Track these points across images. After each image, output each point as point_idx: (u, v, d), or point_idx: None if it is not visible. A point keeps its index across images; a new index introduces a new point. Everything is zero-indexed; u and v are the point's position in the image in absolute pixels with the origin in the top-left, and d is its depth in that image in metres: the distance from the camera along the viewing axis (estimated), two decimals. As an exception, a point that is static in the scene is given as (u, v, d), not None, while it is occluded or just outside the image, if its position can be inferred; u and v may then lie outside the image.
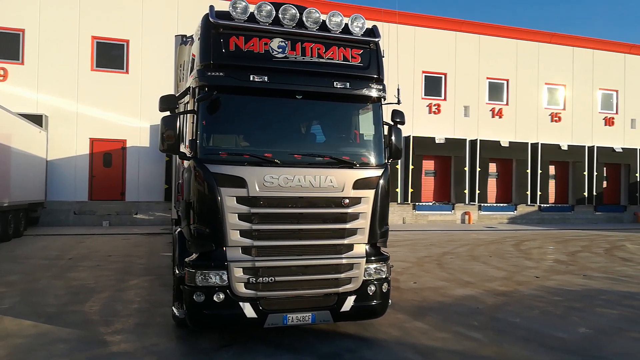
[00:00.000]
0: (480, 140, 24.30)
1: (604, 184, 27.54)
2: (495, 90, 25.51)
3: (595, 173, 26.64)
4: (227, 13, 5.45)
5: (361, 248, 5.79)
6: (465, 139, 24.24)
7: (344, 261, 5.66)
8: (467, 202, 24.29)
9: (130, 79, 20.74)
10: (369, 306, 5.81)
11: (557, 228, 23.35)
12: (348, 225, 5.66)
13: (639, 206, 28.00)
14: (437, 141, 23.50)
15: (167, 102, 5.74)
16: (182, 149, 5.67)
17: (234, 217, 5.29)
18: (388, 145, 6.13)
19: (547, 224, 25.16)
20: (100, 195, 20.60)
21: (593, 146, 26.64)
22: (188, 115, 5.72)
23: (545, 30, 26.77)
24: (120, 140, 20.75)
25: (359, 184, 5.67)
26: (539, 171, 25.47)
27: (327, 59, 5.72)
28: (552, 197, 26.56)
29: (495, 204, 25.41)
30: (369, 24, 5.94)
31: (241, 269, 5.33)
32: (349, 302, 5.67)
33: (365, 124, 6.06)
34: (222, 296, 5.30)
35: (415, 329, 6.42)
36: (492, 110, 25.20)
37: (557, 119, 26.46)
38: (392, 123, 6.24)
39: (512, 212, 25.56)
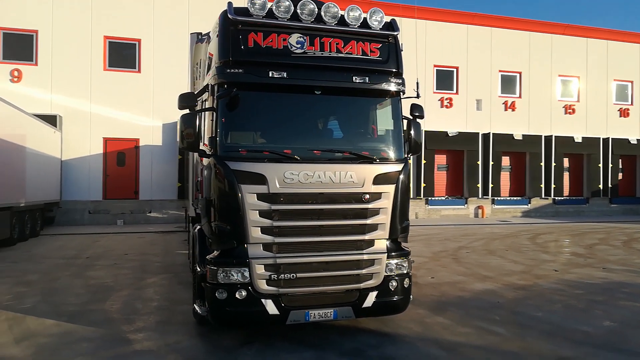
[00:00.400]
0: (493, 133, 24.11)
1: (620, 176, 27.21)
2: (508, 83, 25.27)
3: (610, 165, 26.33)
4: (246, 9, 5.43)
5: (382, 243, 5.76)
6: (478, 133, 24.06)
7: (365, 257, 5.64)
8: (480, 196, 24.12)
9: (143, 78, 20.81)
10: (390, 302, 5.78)
11: (572, 221, 23.12)
12: (369, 221, 5.62)
13: (655, 198, 27.65)
14: (449, 135, 23.36)
15: (187, 100, 5.73)
16: (202, 146, 5.68)
17: (255, 214, 5.28)
18: (407, 139, 6.08)
19: (561, 217, 24.92)
20: (114, 194, 20.74)
21: (608, 138, 26.32)
22: (207, 112, 5.71)
23: (558, 22, 26.45)
24: (133, 139, 20.86)
25: (379, 179, 5.63)
26: (553, 164, 25.22)
27: (346, 53, 5.68)
28: (566, 190, 26.30)
29: (508, 198, 25.22)
30: (387, 18, 5.88)
31: (263, 265, 5.32)
32: (371, 297, 5.64)
33: (385, 119, 6.01)
34: (244, 293, 5.30)
35: (436, 324, 6.38)
36: (505, 103, 24.97)
37: (570, 111, 26.16)
38: (411, 117, 6.19)
39: (526, 206, 25.35)
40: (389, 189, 5.69)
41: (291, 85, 5.49)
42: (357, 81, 5.66)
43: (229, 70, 5.34)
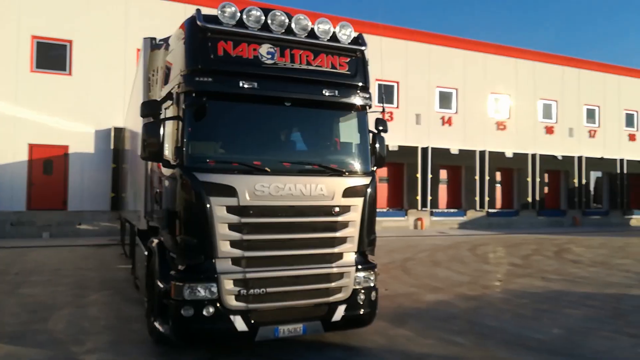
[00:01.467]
0: (431, 147, 24.92)
1: (546, 189, 28.95)
2: (445, 99, 26.28)
3: (537, 179, 27.95)
4: (215, 17, 5.26)
5: (350, 256, 5.72)
6: (417, 147, 24.78)
7: (335, 270, 5.57)
8: (419, 208, 24.79)
9: (74, 81, 19.67)
10: (358, 315, 5.75)
11: (504, 232, 24.28)
12: (338, 234, 5.58)
13: (577, 210, 29.65)
14: (390, 148, 23.87)
15: (150, 108, 5.45)
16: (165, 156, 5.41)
17: (224, 227, 5.09)
18: (372, 153, 6.12)
19: (494, 229, 26.11)
20: (40, 205, 19.34)
21: (535, 154, 27.95)
22: (169, 121, 5.45)
23: (490, 42, 27.91)
24: (62, 146, 19.58)
25: (349, 192, 5.61)
26: (487, 178, 26.41)
27: (316, 66, 5.63)
28: (498, 203, 27.60)
29: (446, 210, 26.10)
30: (354, 33, 5.91)
31: (232, 280, 5.13)
32: (340, 311, 5.58)
33: (353, 132, 6.01)
34: (211, 310, 5.07)
35: (399, 336, 6.41)
36: (442, 118, 25.93)
37: (502, 127, 27.58)
38: (376, 131, 6.25)
39: (462, 217, 26.34)
40: (358, 202, 5.68)
41: (261, 96, 5.36)
42: (327, 94, 5.63)
43: (197, 79, 5.14)
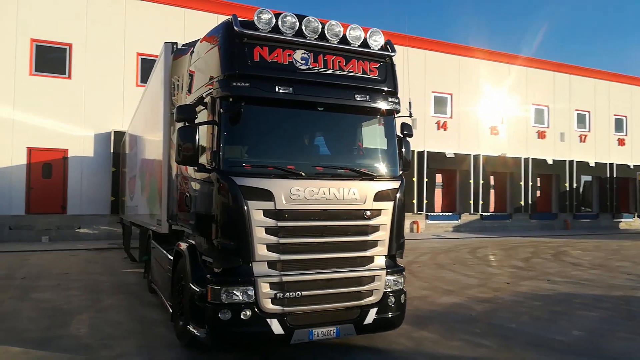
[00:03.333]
0: (427, 151, 25.15)
1: (538, 193, 29.38)
2: (440, 103, 26.56)
3: (530, 183, 28.35)
4: (250, 23, 5.32)
5: (381, 260, 5.81)
6: (414, 151, 24.98)
7: (367, 273, 5.65)
8: (415, 212, 24.99)
9: (73, 84, 19.61)
10: (389, 318, 5.82)
11: (499, 235, 24.56)
12: (370, 237, 5.66)
13: (568, 214, 30.11)
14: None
15: (186, 112, 5.48)
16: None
17: (261, 231, 5.14)
18: (399, 157, 6.22)
19: (488, 232, 26.39)
20: (39, 209, 19.20)
21: (528, 158, 28.36)
22: (203, 126, 5.49)
23: (484, 48, 28.28)
24: (61, 149, 19.50)
25: (380, 196, 5.69)
26: (481, 181, 26.73)
27: (348, 71, 5.72)
28: (492, 206, 27.94)
29: (441, 213, 26.35)
30: (383, 39, 6.01)
31: (268, 284, 5.18)
32: (371, 314, 5.65)
33: (382, 137, 6.10)
34: (249, 313, 5.11)
35: (425, 339, 6.50)
36: (438, 122, 26.20)
37: (495, 132, 27.94)
38: (402, 135, 6.35)
39: (456, 221, 26.60)
40: (388, 206, 5.77)
41: (296, 101, 5.43)
42: (359, 99, 5.72)
43: (234, 84, 5.19)
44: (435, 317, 7.64)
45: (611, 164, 31.56)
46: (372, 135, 6.17)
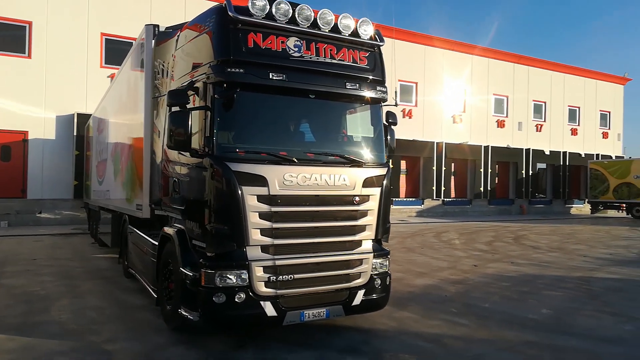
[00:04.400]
0: (393, 138, 25.53)
1: (496, 180, 30.44)
2: (406, 92, 26.99)
3: (489, 170, 29.33)
4: (244, 8, 5.34)
5: (368, 244, 6.01)
6: (380, 137, 25.34)
7: (355, 257, 5.84)
8: (380, 198, 25.40)
9: (34, 64, 18.88)
10: (375, 299, 6.06)
11: (460, 220, 25.38)
12: (359, 222, 5.84)
13: (524, 199, 31.37)
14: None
15: (178, 97, 5.46)
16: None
17: (255, 216, 5.24)
18: (385, 144, 6.42)
19: (449, 217, 27.22)
20: (-4, 193, 18.54)
21: (488, 146, 29.29)
22: (196, 111, 5.49)
23: (448, 38, 28.85)
24: (21, 131, 18.83)
25: (368, 182, 5.87)
26: (443, 168, 27.47)
27: (339, 60, 5.83)
28: (453, 192, 28.81)
29: (405, 199, 26.95)
30: (372, 29, 6.15)
31: (262, 267, 5.29)
32: (359, 296, 5.86)
33: (370, 125, 6.26)
34: (243, 296, 5.22)
35: (406, 319, 6.78)
36: (403, 110, 26.64)
37: (458, 120, 28.67)
38: (387, 124, 6.54)
39: (419, 206, 27.29)
40: (376, 192, 5.96)
41: (288, 88, 5.50)
42: (349, 87, 5.85)
43: (229, 70, 5.21)
44: (412, 298, 7.94)
45: (564, 153, 33.01)
46: (360, 123, 6.33)
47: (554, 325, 6.66)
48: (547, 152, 32.07)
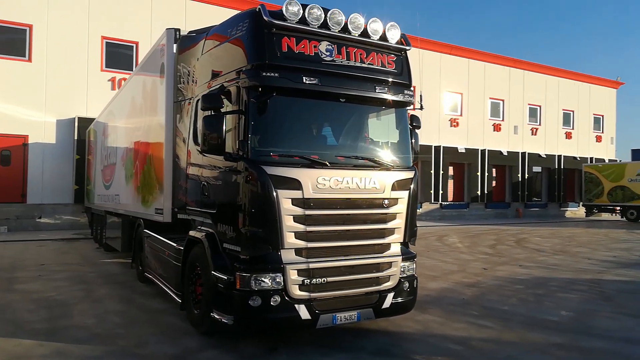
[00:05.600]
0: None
1: (493, 183, 30.68)
2: (404, 95, 27.10)
3: (486, 174, 29.57)
4: (277, 13, 5.38)
5: (397, 247, 6.06)
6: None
7: (385, 260, 5.89)
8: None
9: (34, 68, 18.74)
10: (404, 302, 6.09)
11: (458, 224, 25.52)
12: (388, 225, 5.89)
13: (520, 203, 31.63)
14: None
15: (212, 101, 5.48)
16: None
17: (290, 219, 5.27)
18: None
19: (447, 220, 27.36)
20: (-4, 198, 18.35)
21: (485, 149, 29.53)
22: (230, 115, 5.52)
23: (445, 42, 29.09)
24: (21, 136, 18.69)
25: (397, 186, 5.92)
26: (441, 172, 27.63)
27: (368, 64, 5.89)
28: (450, 196, 28.96)
29: (404, 203, 27.03)
30: (399, 33, 6.21)
31: (296, 271, 5.31)
32: (389, 299, 5.90)
33: (397, 128, 6.33)
34: (278, 299, 5.24)
35: (430, 322, 6.82)
36: (402, 114, 26.74)
37: (455, 124, 28.89)
38: (411, 127, 6.61)
39: (418, 210, 27.34)
40: (404, 195, 6.01)
41: (320, 91, 5.55)
42: (379, 91, 5.91)
43: (264, 74, 5.24)
44: (431, 302, 7.99)
45: (559, 156, 33.37)
46: (388, 127, 6.38)
47: (575, 327, 6.74)
48: (543, 156, 32.39)
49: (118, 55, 20.27)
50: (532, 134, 32.77)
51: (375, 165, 5.88)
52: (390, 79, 6.04)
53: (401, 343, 5.93)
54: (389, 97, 6.02)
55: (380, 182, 5.79)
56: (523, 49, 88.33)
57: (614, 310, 7.67)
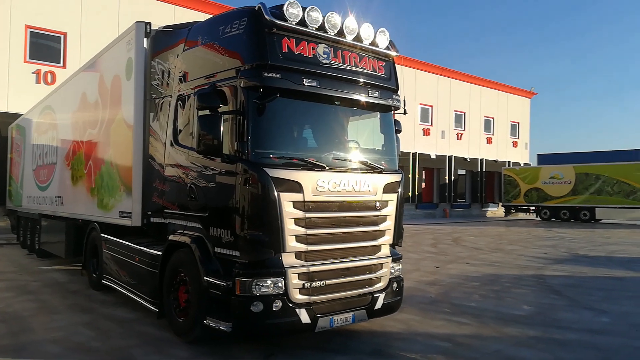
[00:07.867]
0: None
1: (423, 185, 31.95)
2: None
3: (417, 176, 30.74)
4: (277, 13, 5.29)
5: (387, 248, 6.16)
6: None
7: (377, 261, 5.96)
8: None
9: None
10: (392, 302, 6.21)
11: (393, 224, 26.25)
12: (380, 228, 5.97)
13: (447, 204, 33.18)
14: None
15: (209, 100, 5.26)
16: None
17: (291, 222, 5.19)
18: None
19: (382, 221, 28.05)
20: None
21: (415, 152, 30.68)
22: (227, 115, 5.33)
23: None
24: None
25: (387, 188, 6.03)
26: (376, 174, 28.31)
27: (362, 68, 5.94)
28: (384, 197, 29.74)
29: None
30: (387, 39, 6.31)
31: (297, 274, 5.24)
32: (380, 300, 5.98)
33: (385, 132, 6.44)
34: (279, 304, 5.14)
35: (410, 320, 6.98)
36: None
37: (388, 127, 29.73)
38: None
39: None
40: (393, 197, 6.14)
41: (317, 94, 5.52)
42: (371, 95, 5.99)
43: (266, 74, 5.12)
44: (403, 300, 8.15)
45: (481, 160, 35.40)
46: (377, 130, 6.47)
47: (542, 320, 7.17)
48: (467, 159, 34.22)
49: (44, 47, 18.85)
50: (458, 139, 34.52)
51: (369, 168, 5.94)
52: (381, 84, 6.14)
53: (392, 343, 6.04)
54: (380, 101, 6.12)
55: (373, 184, 5.86)
56: (450, 58, 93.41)
57: (568, 303, 8.27)
